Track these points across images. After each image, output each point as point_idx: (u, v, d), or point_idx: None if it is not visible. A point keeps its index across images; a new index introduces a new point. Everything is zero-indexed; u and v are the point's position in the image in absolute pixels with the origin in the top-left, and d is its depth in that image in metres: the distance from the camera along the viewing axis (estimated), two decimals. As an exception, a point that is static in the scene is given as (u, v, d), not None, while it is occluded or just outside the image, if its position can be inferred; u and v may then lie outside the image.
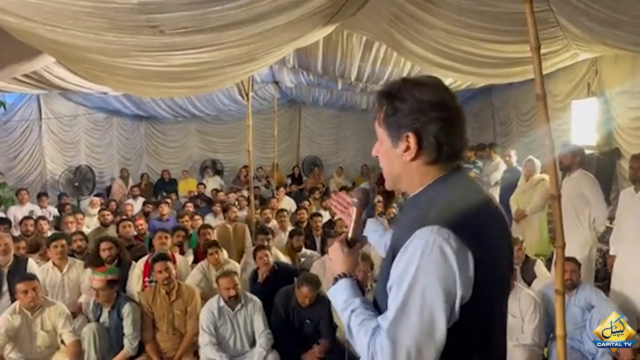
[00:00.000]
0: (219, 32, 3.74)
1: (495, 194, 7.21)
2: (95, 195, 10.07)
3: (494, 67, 5.90)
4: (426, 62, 6.15)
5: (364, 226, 1.53)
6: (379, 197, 9.63)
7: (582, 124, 7.01)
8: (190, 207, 8.38)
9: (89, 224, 7.75)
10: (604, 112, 6.65)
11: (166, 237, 5.48)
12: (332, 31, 5.60)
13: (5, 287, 4.63)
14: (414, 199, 1.37)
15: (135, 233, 6.46)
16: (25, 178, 10.28)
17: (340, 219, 6.34)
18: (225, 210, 7.33)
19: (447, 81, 6.52)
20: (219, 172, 12.48)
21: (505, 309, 1.41)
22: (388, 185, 1.41)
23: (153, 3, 3.12)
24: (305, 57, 8.05)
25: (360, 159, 13.27)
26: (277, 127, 10.35)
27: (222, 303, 4.22)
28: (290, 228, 6.66)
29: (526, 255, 4.92)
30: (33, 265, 4.96)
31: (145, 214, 8.04)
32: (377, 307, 1.34)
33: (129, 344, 4.18)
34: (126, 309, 4.19)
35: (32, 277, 4.16)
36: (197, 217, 7.41)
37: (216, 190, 10.24)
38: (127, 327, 4.18)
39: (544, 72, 3.02)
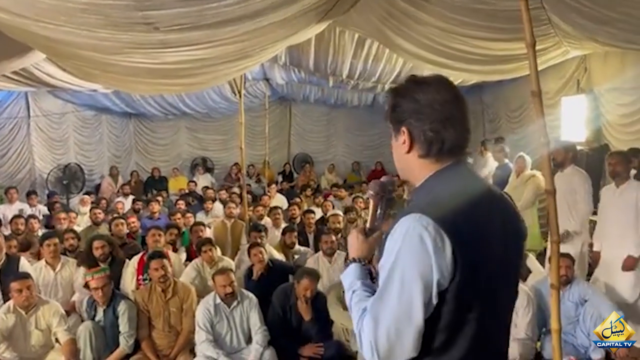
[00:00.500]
0: (215, 28, 3.74)
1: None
2: (85, 194, 10.00)
3: (485, 63, 5.94)
4: (418, 59, 6.18)
5: (383, 217, 1.57)
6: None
7: (571, 121, 7.09)
8: (181, 204, 8.35)
9: (80, 223, 7.69)
10: (593, 108, 6.73)
11: (159, 235, 5.45)
12: (324, 28, 5.61)
13: (-3, 287, 4.59)
14: (415, 191, 1.45)
15: (128, 231, 6.42)
16: (14, 176, 10.18)
17: (333, 215, 6.47)
18: (224, 204, 7.35)
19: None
20: (209, 170, 12.42)
21: (504, 300, 1.43)
22: (401, 177, 1.52)
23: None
24: (297, 54, 8.04)
25: (351, 156, 13.31)
26: (267, 124, 10.33)
27: (218, 300, 4.22)
28: (283, 225, 6.66)
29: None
30: (25, 264, 4.92)
31: (136, 212, 8.00)
32: None
33: (124, 342, 4.16)
34: (122, 307, 4.17)
35: (27, 276, 4.12)
36: (189, 214, 7.38)
37: (207, 188, 10.21)
38: (123, 325, 4.16)
39: (535, 70, 3.05)
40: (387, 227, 1.37)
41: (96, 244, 5.02)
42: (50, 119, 10.72)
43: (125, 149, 12.52)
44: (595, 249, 4.75)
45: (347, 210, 7.04)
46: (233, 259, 5.74)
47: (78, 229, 6.80)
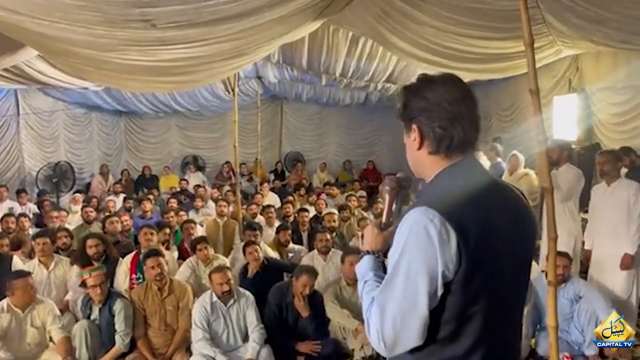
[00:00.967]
0: (212, 26, 3.72)
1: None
2: (75, 192, 9.91)
3: (480, 62, 5.96)
4: (412, 58, 6.19)
5: (399, 212, 1.60)
6: (362, 192, 9.70)
7: (563, 120, 7.16)
8: (173, 203, 8.31)
9: (71, 221, 7.62)
10: (585, 107, 6.81)
11: (152, 234, 5.41)
12: (318, 27, 5.60)
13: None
14: (425, 186, 1.49)
15: (121, 229, 6.38)
16: (3, 174, 10.08)
17: (328, 213, 6.48)
18: (216, 202, 7.34)
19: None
20: (200, 168, 12.37)
21: (513, 294, 1.44)
22: (414, 174, 1.55)
23: (147, -4, 3.09)
24: (290, 52, 8.03)
25: (343, 154, 13.32)
26: (260, 122, 10.30)
27: (214, 298, 4.20)
28: (277, 224, 6.66)
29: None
30: (18, 262, 4.89)
31: (127, 210, 7.94)
32: None
33: (120, 341, 4.14)
34: (118, 306, 4.15)
35: (28, 274, 4.12)
36: (182, 212, 7.35)
37: (198, 186, 10.15)
38: (119, 324, 4.14)
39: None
40: None
41: (90, 242, 4.98)
42: (40, 116, 10.63)
43: (116, 147, 12.45)
44: (586, 247, 4.81)
45: (340, 209, 7.05)
46: (226, 258, 5.71)
47: (69, 227, 6.75)
